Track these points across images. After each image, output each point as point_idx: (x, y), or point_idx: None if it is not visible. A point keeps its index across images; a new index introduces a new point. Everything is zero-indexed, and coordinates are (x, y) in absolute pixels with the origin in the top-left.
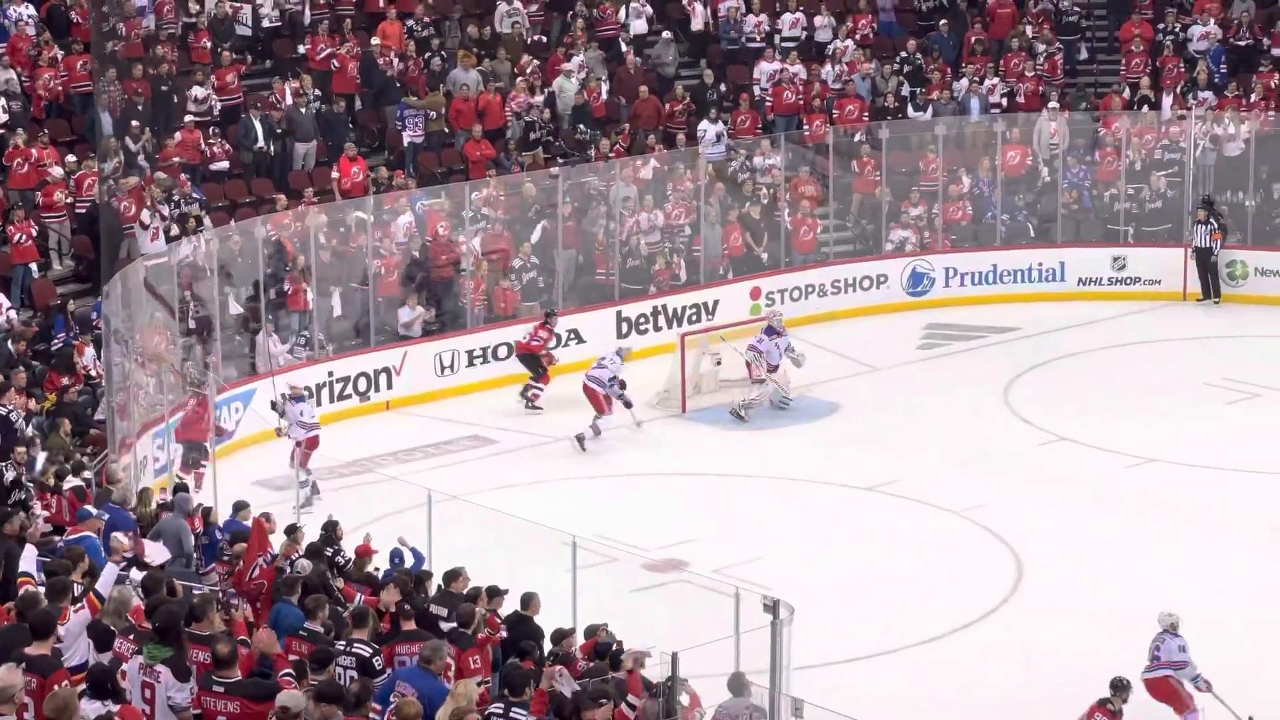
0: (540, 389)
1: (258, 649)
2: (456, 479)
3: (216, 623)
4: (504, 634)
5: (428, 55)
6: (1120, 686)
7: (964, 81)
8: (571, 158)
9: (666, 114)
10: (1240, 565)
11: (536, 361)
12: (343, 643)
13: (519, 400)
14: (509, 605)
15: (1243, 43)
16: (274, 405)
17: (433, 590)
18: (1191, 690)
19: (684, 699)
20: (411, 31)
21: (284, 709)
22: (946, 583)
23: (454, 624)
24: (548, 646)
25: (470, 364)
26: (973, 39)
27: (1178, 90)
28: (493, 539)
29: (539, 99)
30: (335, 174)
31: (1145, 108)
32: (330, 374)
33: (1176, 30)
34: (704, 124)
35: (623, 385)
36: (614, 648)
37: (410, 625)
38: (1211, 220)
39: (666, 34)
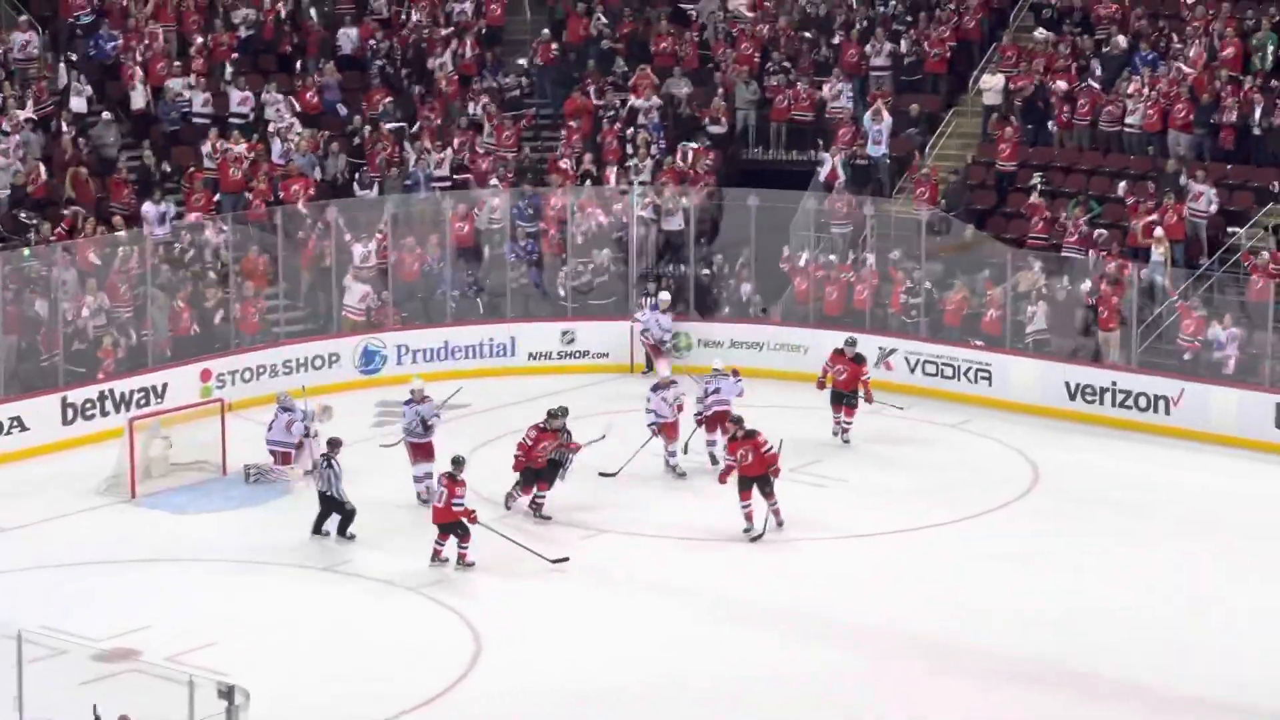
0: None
1: None
2: None
3: None
4: None
5: None
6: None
7: (412, 157)
8: (11, 241)
9: (110, 195)
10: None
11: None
12: None
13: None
14: None
15: (682, 117)
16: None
17: None
18: None
19: None
20: None
21: None
22: (404, 660)
23: None
24: None
25: None
26: (422, 114)
27: (620, 165)
28: None
29: None
30: None
31: (589, 182)
32: None
33: (618, 105)
34: (148, 205)
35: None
36: None
37: None
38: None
39: (107, 114)
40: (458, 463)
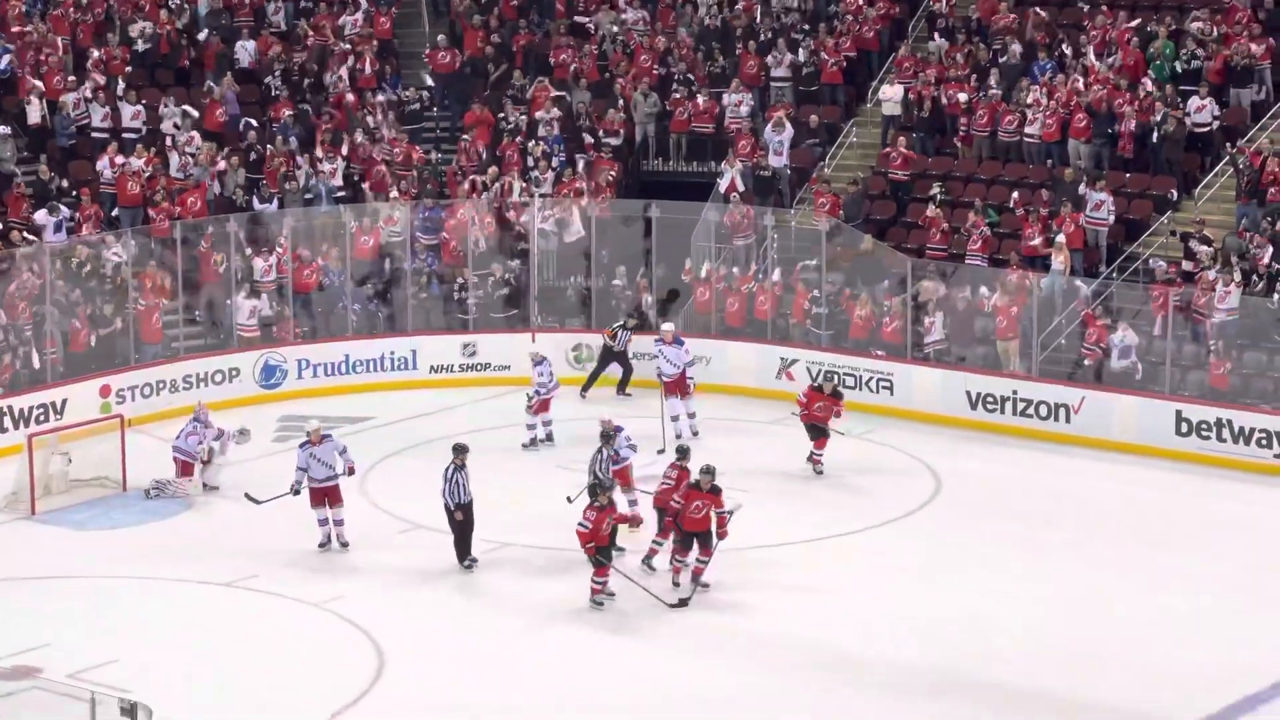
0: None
1: None
2: None
3: None
4: None
5: None
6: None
7: (309, 170)
8: None
9: (7, 211)
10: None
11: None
12: None
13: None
14: None
15: (580, 129)
16: None
17: None
18: None
19: None
20: None
21: None
22: (307, 676)
23: None
24: None
25: None
26: (322, 128)
27: (521, 176)
28: None
29: None
30: None
31: (489, 194)
32: None
33: (516, 118)
34: (41, 213)
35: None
36: None
37: None
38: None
39: (4, 129)
40: (601, 487)
